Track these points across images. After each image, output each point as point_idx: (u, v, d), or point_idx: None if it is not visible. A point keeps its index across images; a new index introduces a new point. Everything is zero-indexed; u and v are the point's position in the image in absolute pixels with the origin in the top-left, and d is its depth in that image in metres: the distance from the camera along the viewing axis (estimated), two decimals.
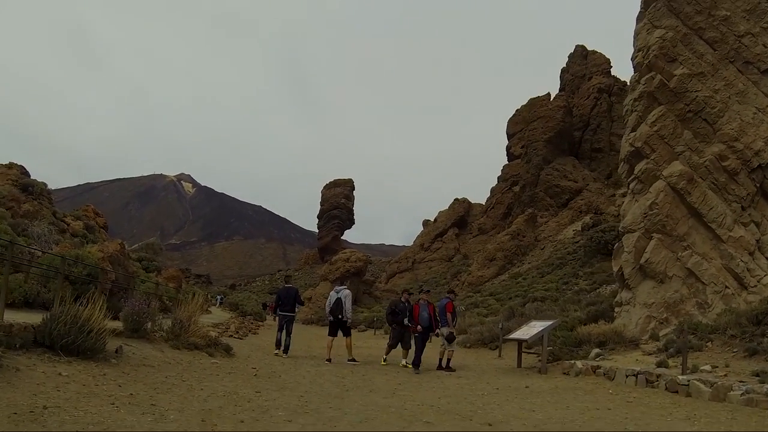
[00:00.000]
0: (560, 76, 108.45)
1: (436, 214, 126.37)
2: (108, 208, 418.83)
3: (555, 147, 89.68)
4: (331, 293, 19.53)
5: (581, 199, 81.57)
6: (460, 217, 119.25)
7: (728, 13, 22.67)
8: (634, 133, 22.55)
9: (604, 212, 72.33)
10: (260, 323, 46.80)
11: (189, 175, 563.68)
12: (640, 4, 25.68)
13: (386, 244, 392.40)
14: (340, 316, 18.73)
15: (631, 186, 22.56)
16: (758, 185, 21.08)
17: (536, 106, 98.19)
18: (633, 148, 22.31)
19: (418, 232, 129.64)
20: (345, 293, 18.89)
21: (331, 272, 65.93)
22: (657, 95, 22.36)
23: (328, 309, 19.25)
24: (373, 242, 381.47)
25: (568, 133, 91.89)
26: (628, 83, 25.38)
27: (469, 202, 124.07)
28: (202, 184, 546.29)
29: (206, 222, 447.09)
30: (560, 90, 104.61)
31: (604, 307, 24.13)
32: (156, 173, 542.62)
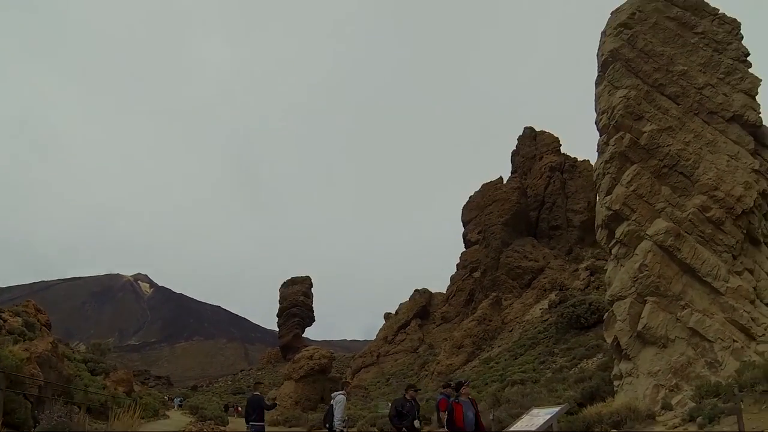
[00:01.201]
0: (511, 159, 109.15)
1: (398, 307, 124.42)
2: (64, 307, 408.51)
3: (513, 229, 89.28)
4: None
5: (544, 278, 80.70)
6: (422, 307, 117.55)
7: (685, 68, 22.63)
8: (609, 197, 21.43)
9: (569, 288, 71.54)
10: (222, 428, 43.46)
11: (146, 275, 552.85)
12: (597, 68, 25.38)
13: (348, 339, 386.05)
14: (327, 426, 16.86)
15: (614, 251, 21.25)
16: (744, 231, 20.40)
17: (490, 190, 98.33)
18: (611, 212, 21.12)
19: (380, 326, 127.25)
20: (338, 399, 16.95)
21: (295, 371, 63.16)
22: (629, 154, 21.57)
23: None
24: (334, 338, 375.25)
25: (524, 213, 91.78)
26: (597, 146, 24.42)
27: (430, 292, 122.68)
28: (160, 284, 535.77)
29: (165, 322, 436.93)
30: (512, 172, 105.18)
31: (596, 383, 22.34)
32: (112, 273, 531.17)
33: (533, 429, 14.28)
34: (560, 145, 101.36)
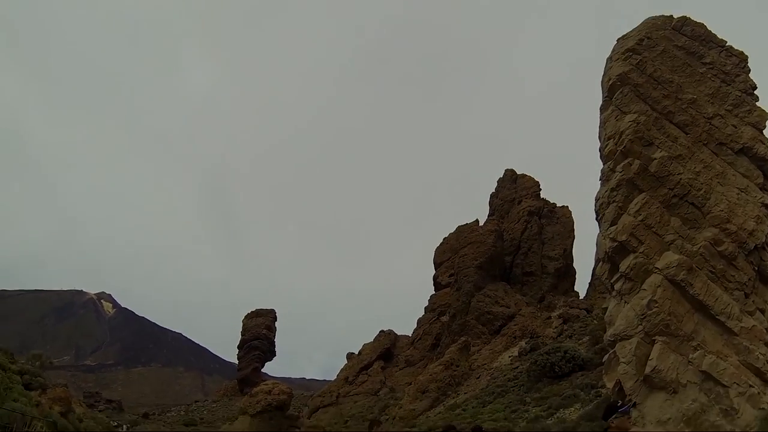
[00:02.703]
0: (489, 201, 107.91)
1: (361, 347, 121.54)
2: (23, 319, 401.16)
3: (486, 273, 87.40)
4: None
5: (515, 325, 78.69)
6: (386, 349, 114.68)
7: (694, 96, 21.54)
8: (614, 227, 19.37)
9: (540, 336, 69.56)
10: None
11: (110, 295, 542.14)
12: (603, 93, 23.89)
13: (307, 377, 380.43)
14: None
15: (617, 287, 18.97)
16: (756, 268, 18.87)
17: (465, 232, 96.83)
18: (616, 243, 18.95)
19: (340, 366, 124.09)
20: None
21: (251, 405, 59.82)
22: (637, 182, 19.68)
23: None
24: (293, 375, 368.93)
25: (499, 257, 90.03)
26: (601, 173, 22.32)
27: (395, 334, 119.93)
28: (123, 306, 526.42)
29: (124, 345, 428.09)
30: (490, 215, 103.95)
31: None
32: (75, 289, 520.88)
33: None
34: (540, 189, 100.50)
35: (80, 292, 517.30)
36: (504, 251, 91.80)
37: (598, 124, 23.86)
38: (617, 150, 20.81)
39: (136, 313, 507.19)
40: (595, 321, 62.98)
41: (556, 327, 71.34)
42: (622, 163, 20.26)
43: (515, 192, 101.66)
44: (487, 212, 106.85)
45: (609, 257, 19.63)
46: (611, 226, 19.69)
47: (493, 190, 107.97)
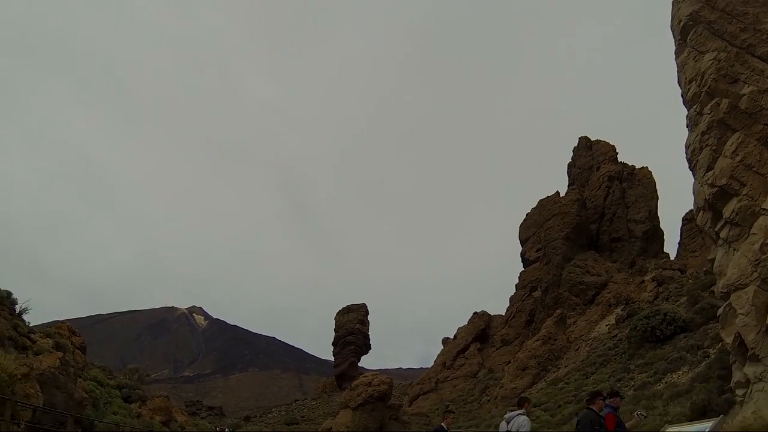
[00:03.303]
0: (567, 171, 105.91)
1: (455, 331, 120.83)
2: (120, 340, 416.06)
3: (574, 243, 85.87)
4: (501, 424, 12.52)
5: (608, 293, 76.88)
6: (481, 330, 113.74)
7: None
8: (711, 172, 18.07)
9: (635, 301, 67.67)
10: None
11: (201, 308, 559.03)
12: (675, 37, 22.55)
13: (403, 367, 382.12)
14: None
15: (723, 234, 17.66)
16: None
17: (548, 204, 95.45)
18: (716, 189, 17.65)
19: (436, 353, 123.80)
20: (519, 421, 11.76)
21: (352, 398, 59.59)
22: (728, 121, 18.31)
23: None
24: (389, 366, 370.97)
25: (585, 226, 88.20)
26: (687, 119, 21.08)
27: (489, 315, 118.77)
28: (214, 317, 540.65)
29: (220, 354, 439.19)
30: (570, 185, 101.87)
31: (704, 396, 18.67)
32: (167, 306, 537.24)
33: None
34: (617, 153, 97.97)
35: (172, 309, 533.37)
36: (589, 219, 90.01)
37: (676, 70, 22.56)
38: (701, 92, 19.53)
39: (228, 322, 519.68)
40: (690, 281, 60.87)
41: (650, 291, 69.21)
42: (710, 104, 18.99)
43: (592, 159, 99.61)
44: (566, 183, 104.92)
45: (710, 204, 18.36)
46: (707, 171, 18.43)
47: (570, 160, 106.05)
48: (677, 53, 22.36)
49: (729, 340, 16.76)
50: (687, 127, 21.29)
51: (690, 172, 20.43)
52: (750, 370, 15.72)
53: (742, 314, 15.86)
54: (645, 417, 14.21)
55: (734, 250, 17.06)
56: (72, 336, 29.90)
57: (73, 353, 27.14)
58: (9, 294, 24.24)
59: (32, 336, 22.87)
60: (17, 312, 24.49)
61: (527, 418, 11.73)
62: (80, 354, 28.86)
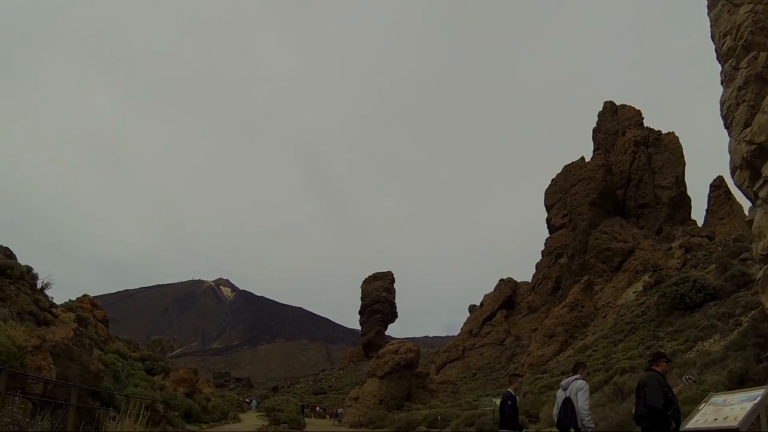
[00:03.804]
0: (593, 136, 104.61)
1: (482, 299, 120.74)
2: (148, 314, 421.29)
3: (600, 209, 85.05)
4: (558, 392, 12.09)
5: (635, 259, 76.17)
6: (507, 298, 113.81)
7: None
8: (749, 129, 17.43)
9: (663, 268, 66.93)
10: None
11: (227, 280, 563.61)
12: None
13: (430, 336, 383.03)
14: (564, 426, 11.40)
15: (761, 194, 17.08)
16: None
17: (573, 170, 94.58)
18: (754, 146, 17.05)
19: (462, 321, 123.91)
20: (577, 385, 11.42)
21: (379, 367, 59.81)
22: (767, 75, 17.54)
23: (555, 416, 11.79)
24: (416, 335, 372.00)
25: (610, 192, 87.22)
26: (722, 74, 20.47)
27: (515, 282, 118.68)
28: (241, 289, 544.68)
29: (247, 326, 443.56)
30: (595, 150, 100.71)
31: (741, 364, 18.24)
32: (194, 279, 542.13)
33: (735, 425, 9.94)
34: (643, 118, 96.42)
35: (199, 282, 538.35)
36: (614, 185, 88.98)
37: (710, 24, 21.86)
38: (737, 45, 18.79)
39: (255, 293, 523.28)
40: (719, 248, 60.03)
41: (678, 257, 68.41)
42: (746, 58, 18.27)
43: (617, 124, 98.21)
44: (591, 149, 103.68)
45: (747, 163, 17.75)
46: (745, 128, 17.80)
47: (595, 125, 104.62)
48: (710, 6, 21.67)
49: None
50: (721, 83, 20.69)
51: (725, 130, 19.85)
52: None
53: None
54: (694, 381, 13.82)
55: None
56: (94, 309, 29.86)
57: (95, 326, 27.20)
58: (30, 269, 24.17)
59: (54, 311, 22.81)
60: (39, 287, 24.50)
61: (585, 381, 11.46)
62: (102, 327, 28.87)
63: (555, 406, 11.79)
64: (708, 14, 21.76)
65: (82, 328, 17.80)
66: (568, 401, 11.26)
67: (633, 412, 10.58)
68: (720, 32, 20.17)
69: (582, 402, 11.06)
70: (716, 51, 20.90)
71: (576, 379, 11.47)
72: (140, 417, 8.88)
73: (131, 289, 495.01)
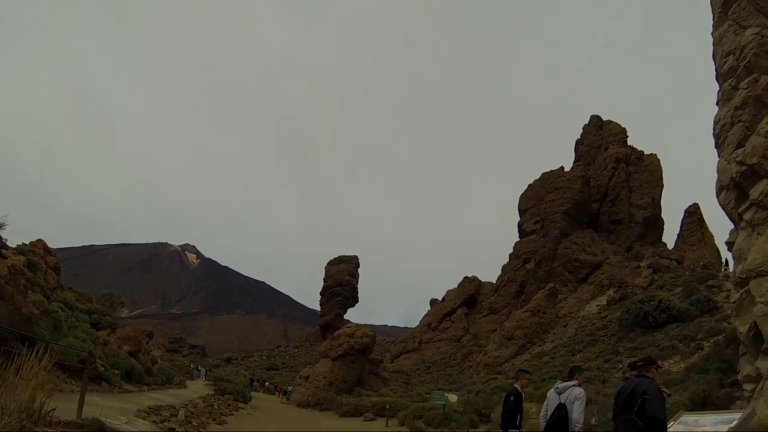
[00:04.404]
0: (575, 148, 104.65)
1: (444, 293, 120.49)
2: (111, 272, 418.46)
3: (573, 219, 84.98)
4: (549, 393, 11.30)
5: (602, 273, 76.29)
6: (470, 296, 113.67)
7: None
8: (741, 150, 16.95)
9: (629, 285, 67.01)
10: (241, 405, 39.35)
11: (194, 246, 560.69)
12: (715, 10, 21.33)
13: (388, 325, 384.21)
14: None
15: (747, 217, 16.58)
16: None
17: (551, 178, 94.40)
18: (744, 167, 16.55)
19: (422, 315, 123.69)
20: (575, 393, 10.58)
21: (333, 348, 59.11)
22: (766, 99, 17.11)
23: (543, 419, 11.04)
24: (375, 323, 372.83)
25: (586, 204, 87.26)
26: (719, 93, 20.01)
27: (479, 281, 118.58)
28: (206, 256, 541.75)
29: (209, 294, 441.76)
30: (575, 161, 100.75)
31: (704, 387, 17.75)
32: (160, 242, 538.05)
33: None
34: (627, 136, 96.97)
35: (165, 245, 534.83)
36: (591, 198, 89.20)
37: (712, 43, 21.47)
38: (739, 66, 18.37)
39: (220, 263, 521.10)
40: (687, 272, 60.18)
41: (645, 277, 68.52)
42: (747, 79, 17.83)
43: (601, 138, 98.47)
44: (572, 160, 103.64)
45: (735, 184, 17.27)
46: (737, 148, 17.32)
47: (578, 137, 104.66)
48: (716, 26, 21.29)
49: (743, 329, 15.76)
50: (716, 103, 20.27)
51: (715, 150, 19.46)
52: (764, 363, 14.72)
53: (761, 302, 14.82)
54: (669, 395, 13.19)
55: (758, 234, 16.02)
56: (47, 255, 28.69)
57: (45, 272, 26.11)
58: None
59: (3, 251, 21.81)
60: None
61: (583, 390, 10.63)
62: (53, 274, 27.76)
63: (544, 408, 11.05)
64: (712, 33, 21.37)
65: (18, 268, 16.64)
66: (562, 407, 10.44)
67: (612, 422, 9.32)
68: (723, 51, 19.74)
69: (577, 413, 10.28)
70: (716, 70, 20.51)
71: (574, 386, 10.65)
72: (44, 361, 7.68)
73: (96, 245, 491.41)
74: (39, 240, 29.80)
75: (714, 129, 19.36)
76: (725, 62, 19.46)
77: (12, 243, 24.80)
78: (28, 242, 28.37)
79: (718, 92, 20.10)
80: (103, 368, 18.71)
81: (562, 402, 10.34)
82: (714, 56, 21.17)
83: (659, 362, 9.14)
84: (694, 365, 23.61)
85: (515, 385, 12.42)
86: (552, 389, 10.88)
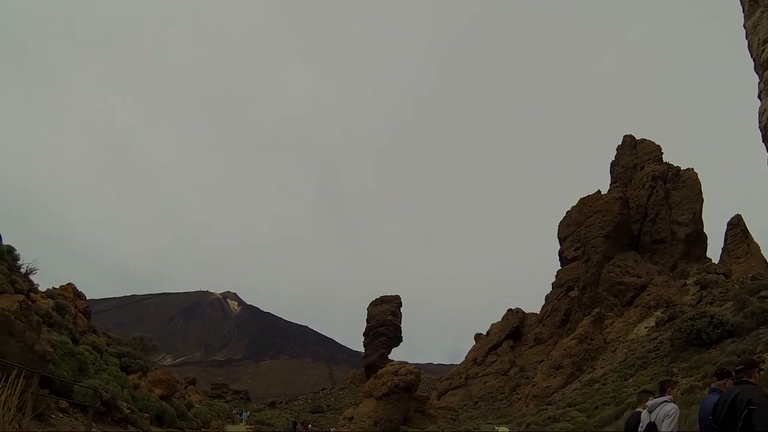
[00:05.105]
0: (610, 170, 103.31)
1: (488, 328, 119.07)
2: (153, 321, 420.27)
3: (614, 242, 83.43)
4: (643, 414, 9.97)
5: (647, 295, 74.42)
6: (515, 328, 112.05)
7: None
8: None
9: (677, 304, 65.19)
10: None
11: (235, 294, 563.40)
12: (742, 4, 20.46)
13: (433, 363, 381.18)
14: None
15: None
16: None
17: (589, 202, 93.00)
18: None
19: (466, 350, 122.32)
20: (666, 410, 9.31)
21: (377, 387, 57.84)
22: None
23: None
24: (419, 361, 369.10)
25: (626, 226, 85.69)
26: (760, 84, 19.09)
27: (523, 312, 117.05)
28: (248, 303, 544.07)
29: (252, 340, 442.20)
30: (612, 183, 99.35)
31: None
32: (202, 290, 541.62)
33: None
34: (662, 153, 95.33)
35: (206, 293, 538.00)
36: (630, 219, 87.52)
37: (745, 36, 20.53)
38: None
39: (262, 309, 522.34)
40: (736, 285, 58.42)
41: (693, 294, 66.62)
42: None
43: (636, 158, 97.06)
44: (609, 182, 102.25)
45: None
46: None
47: (613, 158, 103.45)
48: (747, 16, 20.35)
49: None
50: (758, 95, 19.31)
51: (762, 144, 18.45)
52: None
53: None
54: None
55: None
56: (77, 299, 28.40)
57: (74, 316, 25.72)
58: (12, 249, 22.84)
59: (32, 295, 21.36)
60: (24, 272, 23.10)
61: (675, 405, 9.44)
62: (83, 318, 27.38)
63: (626, 425, 10.05)
64: (744, 24, 20.45)
65: (31, 303, 16.04)
66: (652, 427, 9.29)
67: None
68: (759, 40, 18.79)
69: (672, 427, 9.06)
70: (754, 60, 19.55)
71: (665, 402, 9.42)
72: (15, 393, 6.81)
73: (138, 295, 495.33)
74: (69, 284, 29.57)
75: (759, 121, 18.40)
76: (763, 50, 18.59)
77: (36, 283, 24.61)
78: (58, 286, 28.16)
79: (759, 83, 19.14)
80: (129, 411, 17.98)
81: (653, 421, 9.27)
82: (749, 48, 20.22)
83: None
84: (762, 378, 22.38)
85: (638, 409, 11.32)
86: (644, 409, 9.81)
